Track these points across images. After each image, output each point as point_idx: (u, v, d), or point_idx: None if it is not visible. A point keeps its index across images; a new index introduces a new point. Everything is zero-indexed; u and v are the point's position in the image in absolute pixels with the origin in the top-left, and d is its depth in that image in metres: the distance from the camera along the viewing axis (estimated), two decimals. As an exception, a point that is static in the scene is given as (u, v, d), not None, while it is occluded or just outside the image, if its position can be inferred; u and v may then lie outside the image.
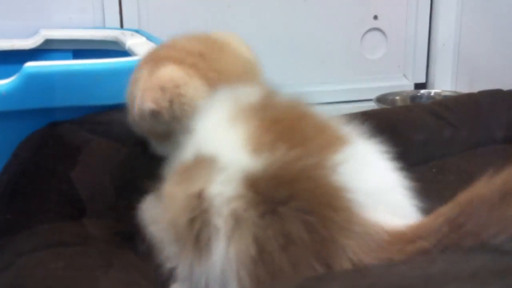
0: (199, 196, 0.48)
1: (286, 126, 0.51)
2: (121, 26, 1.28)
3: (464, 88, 1.37)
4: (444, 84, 1.45)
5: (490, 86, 1.03)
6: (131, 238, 0.74)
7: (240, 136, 0.50)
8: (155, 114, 0.60)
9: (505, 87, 1.02)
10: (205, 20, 1.31)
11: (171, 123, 0.61)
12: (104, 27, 1.26)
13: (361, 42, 1.43)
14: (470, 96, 1.01)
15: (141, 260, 0.68)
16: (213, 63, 0.63)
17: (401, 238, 0.43)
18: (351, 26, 1.41)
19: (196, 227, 0.48)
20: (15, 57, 1.13)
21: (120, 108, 0.81)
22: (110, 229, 0.73)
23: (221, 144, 0.51)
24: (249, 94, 0.56)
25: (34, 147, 0.76)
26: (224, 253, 0.46)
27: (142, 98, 0.62)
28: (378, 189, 0.48)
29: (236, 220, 0.46)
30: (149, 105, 0.60)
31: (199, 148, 0.52)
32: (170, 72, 0.61)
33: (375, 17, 1.42)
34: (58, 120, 0.79)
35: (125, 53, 1.00)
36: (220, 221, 0.46)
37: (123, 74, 0.80)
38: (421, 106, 1.04)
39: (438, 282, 0.34)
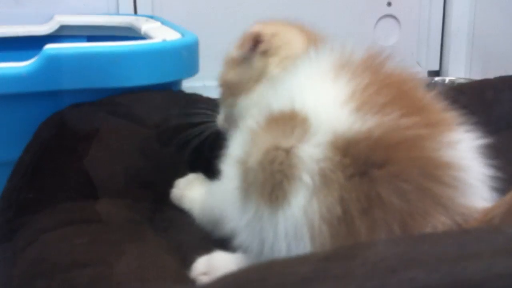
0: (288, 152, 0.49)
1: (400, 92, 0.50)
2: (135, 12, 1.28)
3: (478, 75, 1.37)
4: (458, 71, 1.45)
5: (504, 73, 1.03)
6: (149, 217, 0.76)
7: (344, 92, 0.50)
8: (258, 39, 0.65)
9: (521, 73, 1.02)
10: (218, 5, 1.31)
11: (265, 64, 0.65)
12: (118, 14, 1.27)
13: (375, 29, 1.42)
14: (485, 82, 1.01)
15: (160, 238, 0.69)
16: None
17: (483, 213, 0.45)
18: (364, 13, 1.41)
19: (277, 178, 0.48)
20: (30, 43, 1.13)
21: (139, 90, 0.82)
22: (129, 208, 0.74)
23: (319, 99, 0.51)
24: (355, 50, 0.55)
25: (55, 128, 0.77)
26: (306, 207, 0.46)
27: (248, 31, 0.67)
28: (478, 175, 0.48)
29: (324, 179, 0.46)
30: (255, 30, 0.66)
31: (293, 101, 0.52)
32: (256, 27, 0.67)
33: (389, 4, 1.42)
34: (78, 102, 0.79)
35: (139, 39, 1.00)
36: (307, 178, 0.47)
37: (142, 56, 0.82)
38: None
39: (471, 251, 0.35)
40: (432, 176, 0.45)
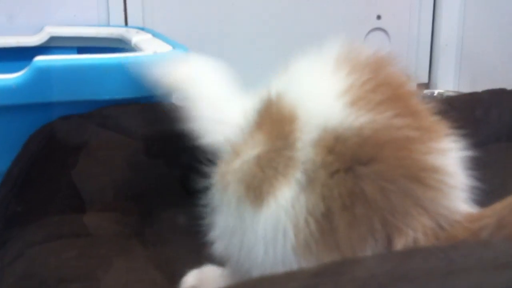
0: (278, 149, 0.48)
1: (396, 94, 0.49)
2: (126, 23, 1.28)
3: (467, 88, 1.38)
4: (447, 84, 1.46)
5: (493, 86, 1.04)
6: (138, 231, 0.75)
7: (341, 85, 0.49)
8: None
9: (508, 86, 1.03)
10: (210, 17, 1.32)
11: None
12: (108, 25, 1.27)
13: (364, 42, 1.43)
14: (473, 95, 1.02)
15: (149, 252, 0.69)
16: None
17: (468, 218, 0.45)
18: (354, 25, 1.42)
19: (266, 174, 0.48)
20: (20, 54, 1.13)
21: (129, 102, 0.82)
22: (117, 221, 0.74)
23: (312, 90, 0.50)
24: (356, 49, 0.54)
25: (44, 140, 0.76)
26: (293, 202, 0.46)
27: None
28: (462, 182, 0.48)
29: (307, 176, 0.46)
30: None
31: (288, 89, 0.51)
32: None
33: (378, 17, 1.43)
34: (68, 114, 0.79)
35: (129, 50, 1.00)
36: (297, 173, 0.47)
37: (132, 69, 0.82)
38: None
39: (460, 267, 0.35)
40: (415, 177, 0.45)
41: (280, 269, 0.45)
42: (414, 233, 0.44)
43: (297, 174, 0.47)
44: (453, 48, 1.45)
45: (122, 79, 0.81)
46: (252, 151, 0.50)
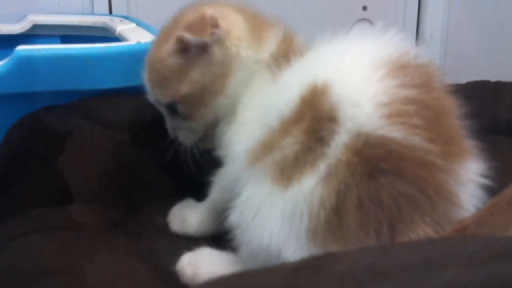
0: (321, 141, 0.50)
1: (435, 118, 0.50)
2: (110, 12, 1.27)
3: (451, 80, 1.39)
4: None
5: (476, 78, 1.04)
6: (122, 223, 0.75)
7: (384, 98, 0.50)
8: (202, 46, 0.61)
9: (492, 78, 1.03)
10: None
11: (224, 64, 0.63)
12: (92, 13, 1.25)
13: (350, 33, 1.43)
14: (457, 87, 1.02)
15: (133, 244, 0.69)
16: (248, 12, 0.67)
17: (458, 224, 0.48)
18: (340, 16, 1.42)
19: (301, 163, 0.50)
20: (3, 42, 1.11)
21: (113, 93, 0.81)
22: (101, 213, 0.73)
23: (354, 94, 0.51)
24: (408, 54, 0.55)
25: (25, 132, 0.75)
26: (313, 190, 0.49)
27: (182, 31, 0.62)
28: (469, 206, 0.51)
29: (329, 170, 0.49)
30: (211, 11, 0.62)
31: (332, 84, 0.52)
32: (208, 10, 0.62)
33: (364, 8, 1.43)
34: (50, 105, 0.78)
35: (113, 39, 0.99)
36: (321, 165, 0.49)
37: (116, 59, 0.81)
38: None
39: (437, 263, 0.35)
40: (429, 196, 0.48)
41: (292, 246, 0.49)
42: (415, 236, 0.47)
43: (321, 167, 0.49)
44: (437, 40, 1.46)
45: (105, 69, 0.80)
46: (291, 139, 0.52)
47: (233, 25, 0.64)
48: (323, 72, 0.53)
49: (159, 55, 0.65)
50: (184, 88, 0.64)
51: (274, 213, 0.51)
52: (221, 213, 0.60)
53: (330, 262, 0.37)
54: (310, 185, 0.49)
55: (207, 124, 0.67)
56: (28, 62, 0.75)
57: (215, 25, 0.62)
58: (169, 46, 0.63)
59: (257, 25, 0.66)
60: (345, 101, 0.50)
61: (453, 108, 0.54)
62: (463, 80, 1.05)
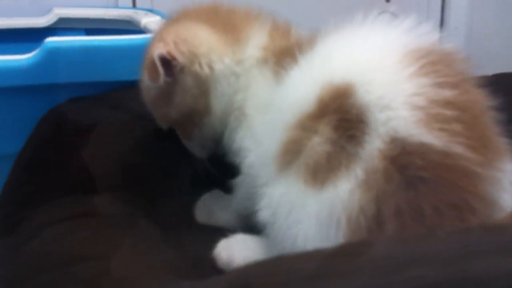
0: (352, 142, 0.48)
1: (473, 120, 0.48)
2: (134, 5, 1.28)
3: (476, 72, 1.37)
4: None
5: (502, 70, 1.03)
6: (148, 213, 0.76)
7: (418, 100, 0.47)
8: (168, 61, 0.59)
9: (517, 70, 1.02)
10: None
11: (202, 86, 0.60)
12: (117, 7, 1.26)
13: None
14: (484, 79, 1.01)
15: (158, 233, 0.69)
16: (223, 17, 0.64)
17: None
18: (361, 9, 1.41)
19: (334, 165, 0.48)
20: (29, 35, 1.13)
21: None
22: (128, 202, 0.74)
23: (387, 96, 0.48)
24: (414, 37, 0.52)
25: (54, 122, 0.77)
26: (350, 194, 0.47)
27: (152, 50, 0.61)
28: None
29: (367, 176, 0.47)
30: (159, 51, 0.59)
31: (356, 83, 0.49)
32: (156, 51, 0.60)
33: (387, 0, 1.42)
34: (78, 96, 0.79)
35: (138, 32, 1.00)
36: (358, 169, 0.47)
37: (142, 50, 0.81)
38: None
39: (476, 250, 0.35)
40: (468, 205, 0.46)
41: None
42: None
43: (358, 171, 0.47)
44: (462, 32, 1.44)
45: (133, 61, 0.80)
46: (319, 138, 0.50)
47: (197, 42, 0.61)
48: (342, 70, 0.51)
49: (142, 84, 0.65)
50: (173, 113, 0.64)
51: (308, 215, 0.49)
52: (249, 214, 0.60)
53: (367, 248, 0.37)
54: (346, 189, 0.47)
55: (208, 140, 0.66)
56: (58, 53, 0.76)
57: (171, 59, 0.60)
58: (145, 77, 0.63)
59: (232, 26, 0.63)
60: (375, 104, 0.48)
61: (486, 106, 0.52)
62: (489, 72, 1.03)
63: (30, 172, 0.72)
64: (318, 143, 0.50)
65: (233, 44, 0.62)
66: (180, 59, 0.60)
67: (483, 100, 0.51)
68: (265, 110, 0.58)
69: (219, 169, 0.71)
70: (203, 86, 0.61)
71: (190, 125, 0.64)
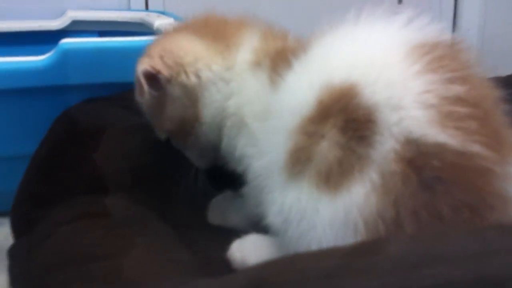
0: (362, 144, 0.47)
1: (486, 116, 0.47)
2: (146, 8, 1.28)
3: (490, 73, 1.36)
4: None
5: (515, 71, 1.02)
6: (160, 213, 0.76)
7: (428, 98, 0.46)
8: (152, 76, 0.61)
9: (532, 72, 1.01)
10: (231, 1, 1.31)
11: (188, 95, 0.61)
12: (129, 9, 1.27)
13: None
14: (498, 81, 1.01)
15: (170, 233, 0.69)
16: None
17: None
18: (374, 9, 1.41)
19: (347, 168, 0.47)
20: (43, 38, 1.14)
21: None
22: (140, 203, 0.74)
23: (396, 95, 0.46)
24: (415, 30, 0.51)
25: (69, 123, 0.77)
26: (366, 198, 0.46)
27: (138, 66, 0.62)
28: None
29: (383, 179, 0.46)
30: (143, 67, 0.61)
31: (360, 83, 0.48)
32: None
33: (400, 1, 1.42)
34: (93, 96, 0.80)
35: (150, 34, 1.00)
36: (372, 173, 0.46)
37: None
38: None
39: (494, 247, 0.35)
40: (487, 204, 0.45)
41: None
42: None
43: (372, 174, 0.46)
44: (474, 32, 1.43)
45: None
46: (327, 143, 0.48)
47: (182, 53, 0.62)
48: (343, 70, 0.49)
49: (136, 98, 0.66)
50: (167, 124, 0.65)
51: (321, 221, 0.48)
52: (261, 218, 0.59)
53: (384, 245, 0.37)
54: (361, 193, 0.46)
55: (205, 149, 0.66)
56: (73, 55, 0.77)
57: (156, 72, 0.61)
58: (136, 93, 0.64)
59: (222, 33, 0.64)
60: (384, 104, 0.46)
61: (495, 98, 0.51)
62: (503, 73, 1.03)
63: (44, 173, 0.72)
64: (328, 149, 0.48)
65: (223, 50, 0.63)
66: (165, 71, 0.61)
67: (492, 93, 0.50)
68: (264, 117, 0.57)
69: (220, 180, 0.72)
70: (191, 95, 0.62)
71: (184, 134, 0.65)
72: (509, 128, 0.51)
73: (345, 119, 0.48)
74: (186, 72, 0.61)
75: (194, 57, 0.62)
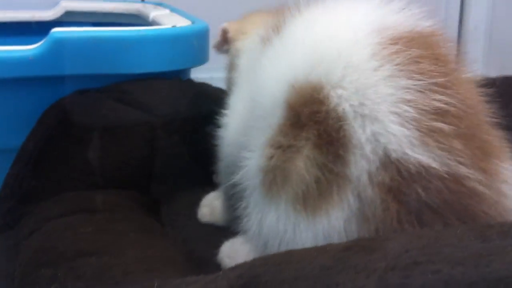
0: (336, 161, 0.42)
1: (470, 130, 0.41)
2: (142, -1, 1.25)
3: (495, 72, 1.35)
4: (475, 68, 1.43)
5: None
6: (155, 210, 0.74)
7: (408, 112, 0.40)
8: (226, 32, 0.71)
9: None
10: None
11: None
12: (124, 0, 1.24)
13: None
14: (504, 80, 0.99)
15: (164, 230, 0.68)
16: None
17: None
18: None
19: (323, 189, 0.42)
20: (35, 29, 1.11)
21: (147, 77, 0.80)
22: (134, 199, 0.73)
23: (370, 104, 0.40)
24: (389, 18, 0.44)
25: (60, 115, 0.75)
26: (346, 224, 0.41)
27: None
28: None
29: (361, 204, 0.40)
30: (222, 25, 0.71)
31: (331, 86, 0.42)
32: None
33: (403, -3, 1.40)
34: (85, 88, 0.77)
35: (146, 26, 0.98)
36: (350, 196, 0.41)
37: (150, 43, 0.79)
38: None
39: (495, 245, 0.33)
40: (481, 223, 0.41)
41: None
42: None
43: (350, 198, 0.40)
44: (481, 31, 1.41)
45: (141, 53, 0.78)
46: (303, 163, 0.43)
47: (230, 29, 0.71)
48: (306, 65, 0.43)
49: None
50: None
51: (302, 242, 0.43)
52: None
53: (383, 242, 0.35)
54: (340, 219, 0.41)
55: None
56: (64, 44, 0.74)
57: (226, 33, 0.71)
58: None
59: (246, 22, 0.71)
60: (352, 113, 0.40)
61: (483, 104, 0.45)
62: (508, 72, 1.01)
63: (33, 166, 0.70)
64: (305, 169, 0.42)
65: (241, 34, 0.69)
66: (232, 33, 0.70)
67: (476, 96, 0.45)
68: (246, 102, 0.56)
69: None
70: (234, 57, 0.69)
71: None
72: (494, 133, 0.46)
73: (318, 130, 0.42)
74: (233, 39, 0.69)
75: (231, 35, 0.70)
